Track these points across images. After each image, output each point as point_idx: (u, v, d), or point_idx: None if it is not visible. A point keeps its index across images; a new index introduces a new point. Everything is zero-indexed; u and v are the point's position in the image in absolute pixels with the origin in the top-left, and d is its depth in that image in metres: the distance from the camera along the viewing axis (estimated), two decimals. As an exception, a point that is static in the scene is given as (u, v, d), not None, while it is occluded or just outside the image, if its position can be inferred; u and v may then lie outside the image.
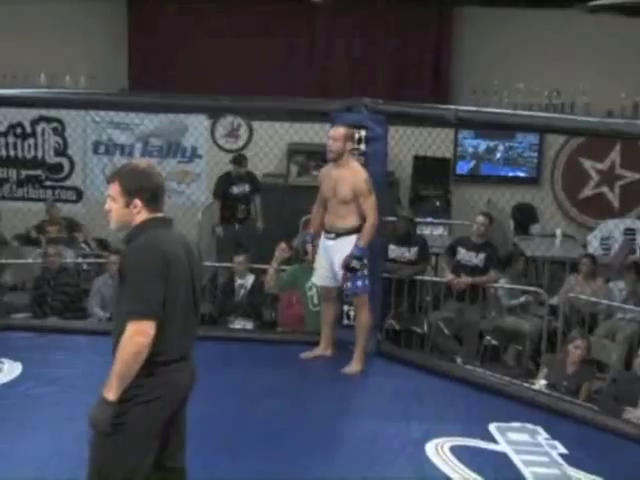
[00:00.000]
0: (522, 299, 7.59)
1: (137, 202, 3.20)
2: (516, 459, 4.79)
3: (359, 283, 6.03)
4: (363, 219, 5.98)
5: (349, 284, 6.03)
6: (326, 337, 6.32)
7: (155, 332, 3.06)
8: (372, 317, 6.28)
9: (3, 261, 7.33)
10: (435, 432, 5.05)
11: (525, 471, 4.64)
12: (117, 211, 3.23)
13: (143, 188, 3.20)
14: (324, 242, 6.13)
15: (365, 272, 6.04)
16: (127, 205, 3.20)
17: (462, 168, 10.31)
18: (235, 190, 8.91)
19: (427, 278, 8.00)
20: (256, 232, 8.82)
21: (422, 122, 8.08)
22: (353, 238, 5.97)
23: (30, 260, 8.36)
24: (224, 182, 8.96)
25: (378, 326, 6.72)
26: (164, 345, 3.12)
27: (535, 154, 10.18)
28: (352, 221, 5.99)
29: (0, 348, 6.31)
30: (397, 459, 4.73)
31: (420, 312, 7.69)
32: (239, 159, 9.08)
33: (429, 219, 9.64)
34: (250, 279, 7.62)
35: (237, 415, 5.26)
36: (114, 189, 3.22)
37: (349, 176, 5.98)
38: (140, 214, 3.21)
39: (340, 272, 6.02)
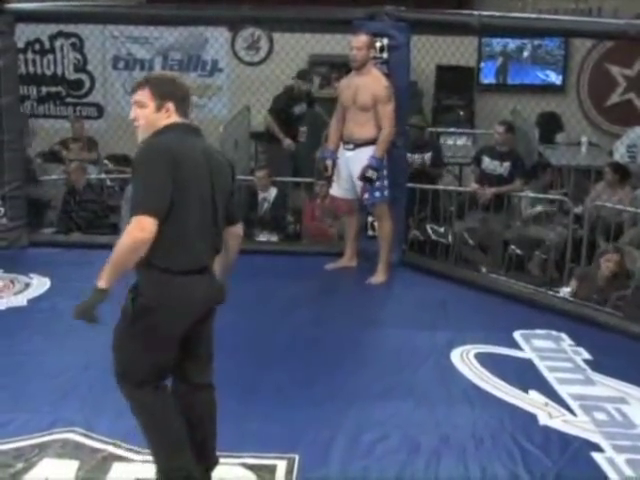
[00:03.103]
0: (539, 208, 7.50)
1: (170, 105, 3.19)
2: (540, 365, 4.84)
3: (377, 194, 6.02)
4: (380, 129, 5.93)
5: (367, 195, 6.03)
6: (350, 248, 6.35)
7: (166, 237, 3.06)
8: (395, 227, 6.29)
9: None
10: (460, 340, 5.10)
11: (549, 376, 4.69)
12: (148, 116, 3.20)
13: (174, 92, 3.22)
14: (343, 153, 6.10)
15: (385, 182, 6.02)
16: (159, 109, 3.19)
17: (489, 69, 10.16)
18: (297, 110, 8.44)
19: (451, 188, 7.96)
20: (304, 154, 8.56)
21: (445, 29, 7.93)
22: (371, 149, 5.94)
23: (54, 177, 8.38)
24: (286, 100, 8.46)
25: (402, 236, 6.73)
26: (180, 254, 3.12)
27: (563, 52, 10.01)
28: (370, 131, 5.96)
29: (28, 263, 6.42)
30: (423, 367, 4.79)
31: (445, 223, 7.67)
32: (304, 75, 8.61)
33: (452, 129, 9.55)
34: (273, 192, 7.61)
35: (264, 326, 5.33)
36: (144, 94, 3.20)
37: (370, 83, 5.95)
38: (170, 118, 3.21)
39: (359, 183, 6.00)
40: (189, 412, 3.34)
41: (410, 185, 7.01)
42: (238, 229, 3.50)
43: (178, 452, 3.27)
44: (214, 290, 3.33)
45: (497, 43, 10.12)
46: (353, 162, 6.02)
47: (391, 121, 5.94)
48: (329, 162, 6.19)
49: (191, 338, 3.28)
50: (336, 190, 6.27)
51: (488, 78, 10.22)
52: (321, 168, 6.51)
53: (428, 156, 7.81)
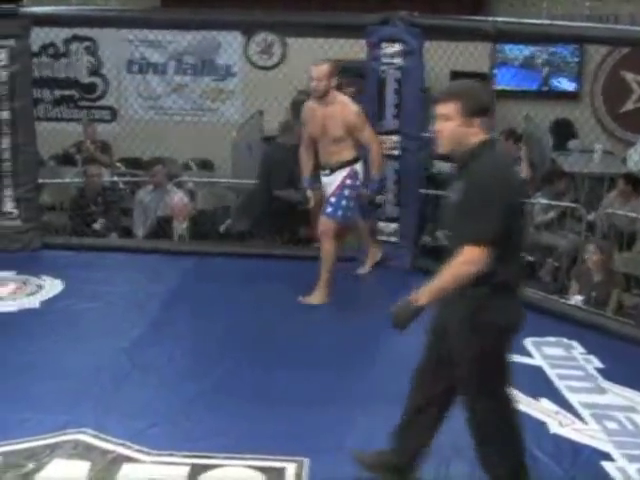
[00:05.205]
0: (551, 214, 7.48)
1: (477, 122, 3.16)
2: (551, 373, 4.82)
3: (329, 209, 5.70)
4: (359, 148, 5.73)
5: (329, 208, 5.71)
6: (370, 246, 6.40)
7: (505, 257, 3.10)
8: (410, 232, 6.29)
9: (42, 181, 7.38)
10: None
11: (560, 384, 4.68)
12: (452, 131, 3.17)
13: (483, 107, 3.20)
14: (322, 179, 5.84)
15: (345, 203, 5.71)
16: (465, 125, 3.16)
17: (503, 76, 10.16)
18: None
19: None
20: None
21: (459, 35, 7.92)
22: (346, 170, 5.69)
23: (67, 180, 8.41)
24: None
25: (414, 242, 6.72)
26: (513, 273, 3.20)
27: (577, 59, 10.01)
28: (346, 155, 5.70)
29: (40, 266, 6.45)
30: (433, 372, 4.77)
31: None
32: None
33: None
34: None
35: (276, 328, 5.35)
36: (451, 108, 3.16)
37: (338, 112, 5.63)
38: (477, 134, 3.17)
39: (332, 199, 5.70)
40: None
41: (423, 191, 6.98)
42: None
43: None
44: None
45: (510, 51, 10.13)
46: (329, 185, 5.78)
47: (377, 141, 5.76)
48: (309, 192, 5.95)
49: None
50: None
51: (501, 84, 10.20)
52: (302, 199, 6.18)
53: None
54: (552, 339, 5.29)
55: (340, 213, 5.71)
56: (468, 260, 3.07)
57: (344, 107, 5.67)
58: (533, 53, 10.14)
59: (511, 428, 3.35)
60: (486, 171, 3.14)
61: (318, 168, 5.92)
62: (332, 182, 5.76)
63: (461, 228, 3.15)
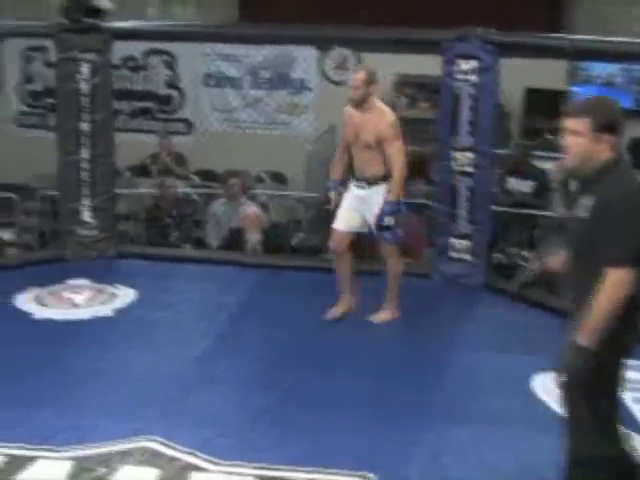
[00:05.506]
0: None
1: (606, 138, 3.13)
2: (626, 396, 4.70)
3: (388, 235, 5.58)
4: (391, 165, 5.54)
5: (388, 234, 5.59)
6: (347, 288, 5.90)
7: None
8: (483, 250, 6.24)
9: (118, 191, 7.51)
10: (542, 366, 4.99)
11: (635, 408, 4.58)
12: (582, 147, 3.13)
13: (614, 124, 3.16)
14: (354, 190, 5.67)
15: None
16: (595, 142, 3.13)
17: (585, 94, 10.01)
18: None
19: (540, 213, 7.83)
20: None
21: (536, 53, 7.82)
22: (383, 188, 5.54)
23: (142, 190, 8.55)
24: None
25: (486, 259, 6.65)
26: (636, 290, 3.13)
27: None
28: (380, 167, 5.53)
29: (114, 274, 6.56)
30: (500, 392, 4.72)
31: (531, 247, 7.54)
32: None
33: (543, 153, 9.43)
34: None
35: (342, 342, 5.35)
36: (582, 124, 3.13)
37: (374, 120, 5.49)
38: (606, 151, 3.14)
39: (372, 222, 5.60)
40: None
41: (494, 207, 6.90)
42: None
43: None
44: None
45: (592, 68, 9.97)
46: (367, 202, 5.61)
47: (401, 159, 5.51)
48: (332, 194, 5.77)
49: None
50: (340, 223, 5.74)
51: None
52: (325, 199, 6.05)
53: (527, 184, 7.67)
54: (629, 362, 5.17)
55: (399, 231, 5.65)
56: (617, 284, 3.02)
57: (380, 115, 5.54)
58: (616, 71, 9.93)
59: (614, 457, 3.29)
60: (620, 191, 3.09)
61: (349, 175, 5.79)
62: (369, 198, 5.58)
63: (595, 248, 3.08)
